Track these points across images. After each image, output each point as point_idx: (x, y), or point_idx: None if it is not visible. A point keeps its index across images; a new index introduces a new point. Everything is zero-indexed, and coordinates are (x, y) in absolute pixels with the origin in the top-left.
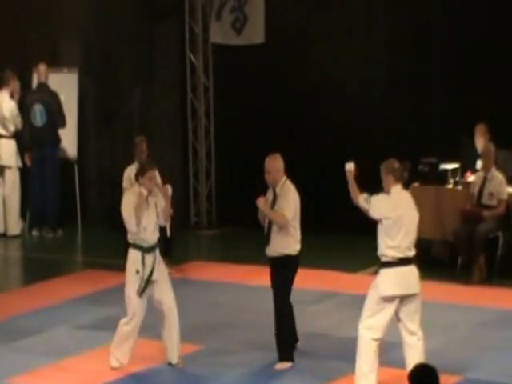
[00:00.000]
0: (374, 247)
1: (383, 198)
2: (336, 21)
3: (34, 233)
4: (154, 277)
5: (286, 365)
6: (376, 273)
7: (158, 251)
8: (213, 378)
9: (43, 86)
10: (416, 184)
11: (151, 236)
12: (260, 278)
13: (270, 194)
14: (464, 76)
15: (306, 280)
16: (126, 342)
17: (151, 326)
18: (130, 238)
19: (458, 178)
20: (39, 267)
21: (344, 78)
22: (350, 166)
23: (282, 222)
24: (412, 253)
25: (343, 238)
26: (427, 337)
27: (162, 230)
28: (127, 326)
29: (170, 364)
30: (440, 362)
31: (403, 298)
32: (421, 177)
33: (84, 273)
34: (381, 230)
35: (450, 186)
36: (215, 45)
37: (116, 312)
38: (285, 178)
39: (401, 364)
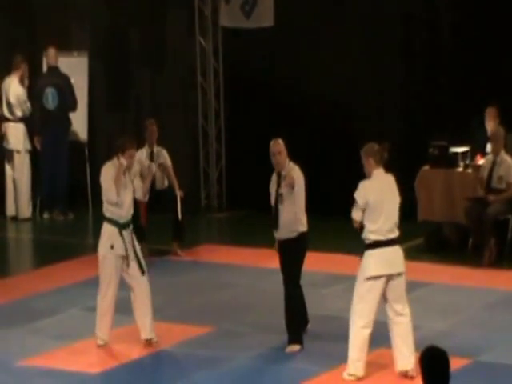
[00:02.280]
0: None
1: (365, 183)
2: (348, 2)
3: (45, 216)
4: (128, 252)
5: (296, 347)
6: None
7: (131, 227)
8: (223, 360)
9: (54, 70)
10: (426, 167)
11: (127, 212)
12: (271, 260)
13: (274, 179)
14: (475, 58)
15: (317, 263)
16: (104, 318)
17: (159, 308)
18: (106, 211)
19: (468, 162)
20: (50, 250)
21: (355, 61)
22: None
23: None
24: (395, 234)
25: (351, 222)
26: (437, 319)
27: (173, 213)
28: (103, 302)
29: (145, 341)
30: (450, 344)
31: (389, 278)
32: (431, 160)
33: (94, 255)
34: (365, 215)
35: (460, 170)
36: (225, 28)
37: (127, 294)
38: (287, 159)
39: (415, 347)
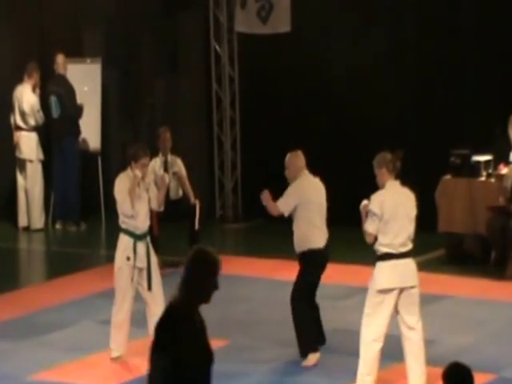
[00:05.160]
0: None
1: (379, 194)
2: (361, 8)
3: (58, 226)
4: (144, 264)
5: (311, 361)
6: None
7: (148, 239)
8: (238, 375)
9: (59, 78)
10: (448, 176)
11: (143, 223)
12: (287, 272)
13: None
14: (497, 65)
15: (333, 275)
16: (120, 330)
17: None
18: (122, 223)
19: (490, 171)
20: (63, 261)
21: (374, 68)
22: (364, 204)
23: (272, 212)
24: (407, 248)
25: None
26: (459, 333)
27: (190, 222)
28: (118, 315)
29: None
30: (473, 359)
31: (401, 291)
32: (452, 169)
33: (108, 267)
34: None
35: (483, 179)
36: (240, 34)
37: (140, 306)
38: (304, 174)
39: (433, 362)
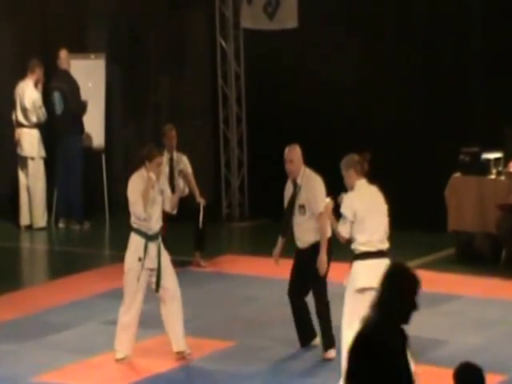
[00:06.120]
0: (411, 241)
1: (349, 196)
2: (370, 3)
3: (61, 225)
4: (155, 265)
5: (333, 354)
6: (415, 267)
7: (160, 239)
8: (245, 376)
9: (63, 73)
10: (457, 174)
11: (155, 224)
12: None
13: (289, 187)
14: (507, 63)
15: (338, 273)
16: (127, 331)
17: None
18: (134, 223)
19: (500, 168)
20: (66, 261)
21: (382, 64)
22: (327, 203)
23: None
24: (385, 246)
25: None
26: (469, 333)
27: (195, 222)
28: (126, 316)
29: (177, 353)
30: (484, 360)
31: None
32: (462, 167)
33: (112, 267)
34: (354, 227)
35: (493, 177)
36: (247, 30)
37: (146, 307)
38: (303, 167)
39: (443, 362)
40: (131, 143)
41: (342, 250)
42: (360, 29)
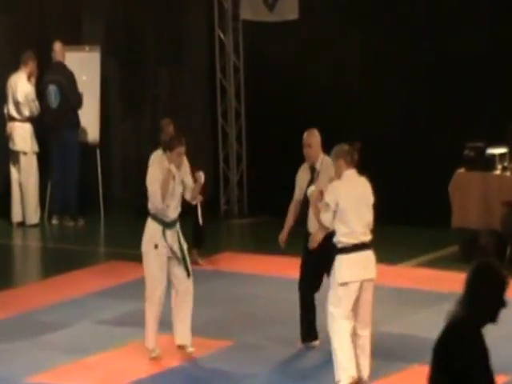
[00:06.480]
0: (414, 238)
1: (336, 184)
2: None
3: (54, 222)
4: (171, 254)
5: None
6: (418, 265)
7: (178, 225)
8: (245, 376)
9: (58, 65)
10: (461, 170)
11: (173, 212)
12: (294, 270)
13: (305, 172)
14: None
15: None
16: (152, 323)
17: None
18: (151, 209)
19: (506, 164)
20: (59, 258)
21: (385, 56)
22: (311, 190)
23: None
24: (368, 238)
25: (381, 229)
26: None
27: (194, 218)
28: (152, 306)
29: (179, 347)
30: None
31: (361, 284)
32: (466, 162)
33: (107, 264)
34: (336, 217)
35: (498, 172)
36: (246, 21)
37: (142, 306)
38: (322, 153)
39: None
40: (128, 138)
41: None
42: (362, 19)
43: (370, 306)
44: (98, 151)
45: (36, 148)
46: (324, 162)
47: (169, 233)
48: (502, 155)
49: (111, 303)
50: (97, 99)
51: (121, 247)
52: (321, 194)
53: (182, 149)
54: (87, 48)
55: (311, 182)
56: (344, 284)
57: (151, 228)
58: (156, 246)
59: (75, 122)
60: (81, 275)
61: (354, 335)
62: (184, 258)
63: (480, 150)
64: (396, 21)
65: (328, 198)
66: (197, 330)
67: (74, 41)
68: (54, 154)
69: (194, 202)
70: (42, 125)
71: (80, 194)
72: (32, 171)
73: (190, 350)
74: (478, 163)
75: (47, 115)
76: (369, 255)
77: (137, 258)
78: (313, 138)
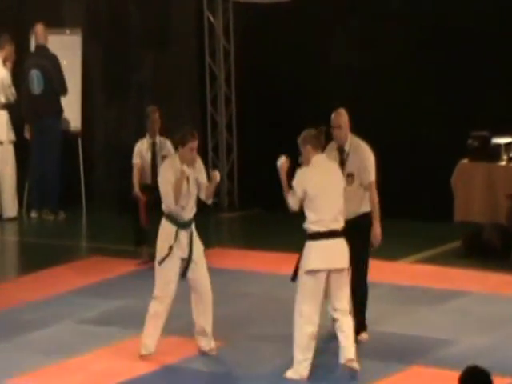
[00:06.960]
0: (415, 233)
1: (303, 171)
2: None
3: (33, 215)
4: (185, 254)
5: (366, 335)
6: (418, 261)
7: (193, 226)
8: (237, 378)
9: (41, 49)
10: (464, 161)
11: (188, 213)
12: (287, 266)
13: (331, 153)
14: None
15: None
16: (155, 323)
17: (165, 320)
18: (165, 209)
19: (511, 154)
20: (39, 254)
21: (385, 42)
22: (281, 162)
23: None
24: (339, 225)
25: (382, 224)
26: (477, 333)
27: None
28: (157, 306)
29: (204, 353)
30: (491, 361)
31: (330, 274)
32: (470, 152)
33: (89, 260)
34: (305, 204)
35: (503, 163)
36: (236, 3)
37: (126, 304)
38: (350, 134)
39: (448, 364)
40: (111, 126)
41: None
42: (360, 3)
43: (345, 293)
44: (79, 140)
45: (13, 137)
46: (353, 142)
47: (183, 233)
48: (507, 145)
49: (94, 301)
50: (78, 85)
51: (104, 242)
52: (285, 165)
53: (194, 143)
54: (68, 31)
55: (341, 164)
56: (310, 272)
57: (166, 229)
58: (170, 248)
59: (58, 109)
60: (61, 271)
61: (334, 321)
62: (189, 260)
63: (485, 140)
64: (400, 8)
65: (295, 184)
66: (184, 330)
67: (54, 23)
68: (35, 142)
69: (208, 202)
70: (19, 112)
71: (61, 185)
72: (9, 161)
73: (213, 353)
74: (483, 153)
75: (28, 102)
76: (339, 243)
77: (120, 253)
78: (342, 119)
